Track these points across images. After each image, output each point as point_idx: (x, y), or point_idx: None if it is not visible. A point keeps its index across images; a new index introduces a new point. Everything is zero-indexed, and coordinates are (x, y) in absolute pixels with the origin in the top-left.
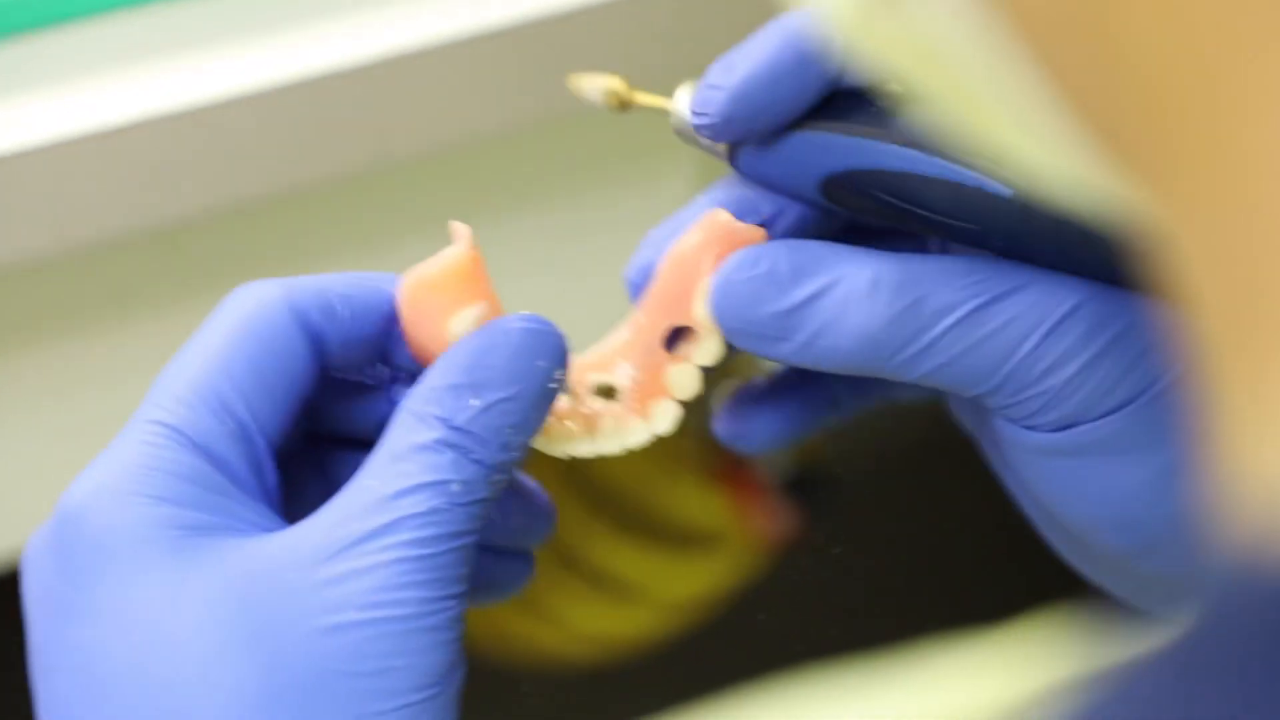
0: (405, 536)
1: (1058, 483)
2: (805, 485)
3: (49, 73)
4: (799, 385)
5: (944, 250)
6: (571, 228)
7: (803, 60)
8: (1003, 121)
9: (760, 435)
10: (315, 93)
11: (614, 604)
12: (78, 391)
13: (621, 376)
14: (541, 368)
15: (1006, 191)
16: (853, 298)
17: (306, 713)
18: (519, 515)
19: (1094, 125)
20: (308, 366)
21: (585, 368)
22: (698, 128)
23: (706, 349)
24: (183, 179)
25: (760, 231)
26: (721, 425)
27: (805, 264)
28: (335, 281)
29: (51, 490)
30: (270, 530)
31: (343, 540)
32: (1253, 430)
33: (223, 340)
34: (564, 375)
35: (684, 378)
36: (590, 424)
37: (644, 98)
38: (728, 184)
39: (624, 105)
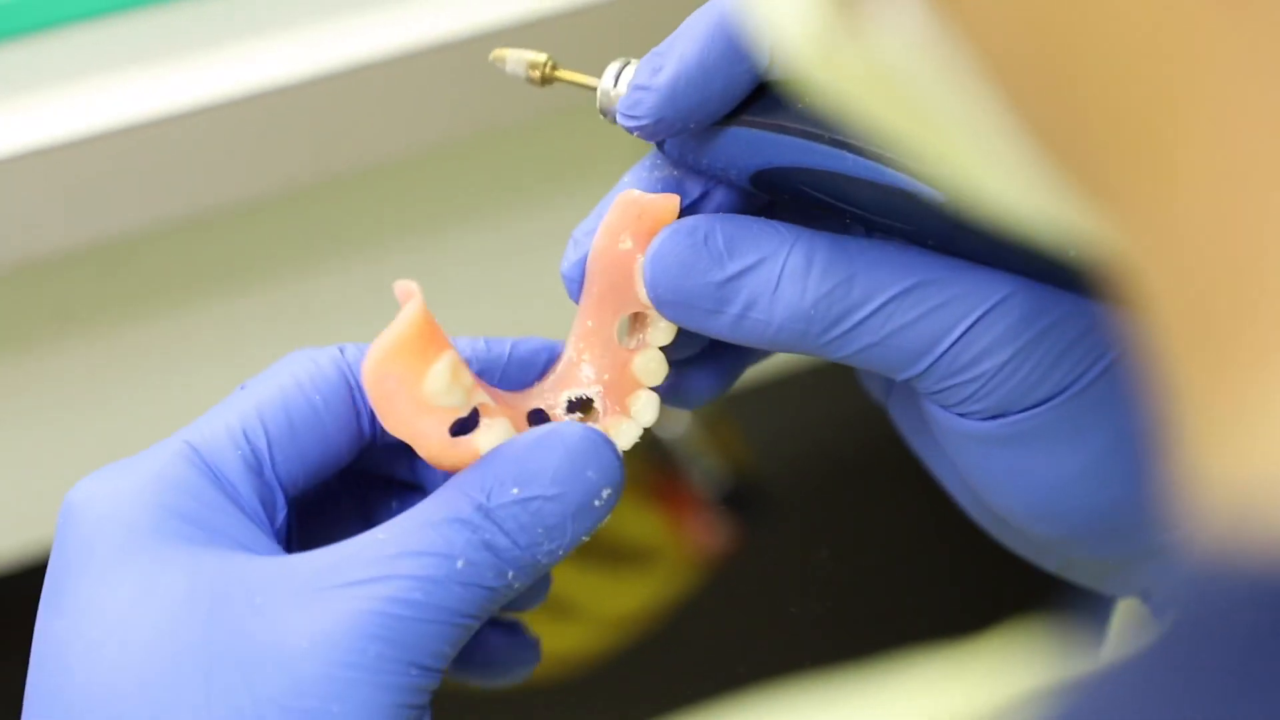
0: (388, 592)
1: (989, 471)
2: (739, 498)
3: (53, 73)
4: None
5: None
6: (557, 229)
7: (731, 55)
8: (963, 149)
9: (697, 391)
10: (306, 96)
11: (551, 621)
12: (101, 387)
13: (589, 385)
14: (591, 479)
15: (939, 197)
16: (786, 272)
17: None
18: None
19: (1052, 151)
20: (348, 429)
21: (553, 388)
22: (630, 129)
23: (661, 329)
24: (178, 180)
25: (674, 199)
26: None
27: (740, 237)
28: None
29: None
30: (261, 554)
31: (329, 578)
32: (1211, 437)
33: (268, 389)
34: (613, 497)
35: (650, 363)
36: None
37: (569, 75)
38: (652, 164)
39: (546, 80)
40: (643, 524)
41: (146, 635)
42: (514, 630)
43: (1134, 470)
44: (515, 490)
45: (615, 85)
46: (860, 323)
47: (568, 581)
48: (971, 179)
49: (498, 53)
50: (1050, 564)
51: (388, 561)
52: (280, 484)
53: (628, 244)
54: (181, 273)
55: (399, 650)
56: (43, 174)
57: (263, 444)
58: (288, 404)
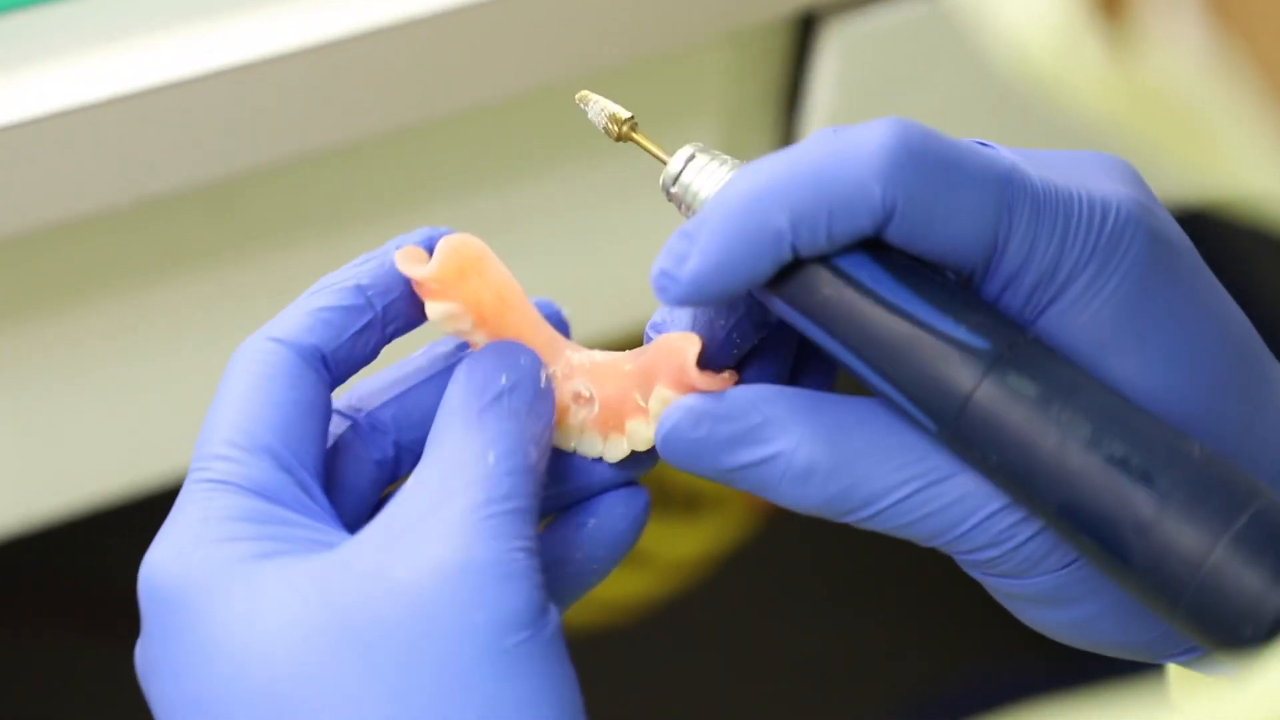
0: (456, 507)
1: (1029, 614)
2: None
3: (111, 28)
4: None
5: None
6: (608, 186)
7: (756, 251)
8: (1238, 162)
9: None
10: (356, 51)
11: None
12: (139, 345)
13: (586, 390)
14: (526, 365)
15: (929, 425)
16: (786, 479)
17: (405, 680)
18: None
19: None
20: (319, 390)
21: (576, 370)
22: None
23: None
24: (208, 143)
25: (722, 381)
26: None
27: (739, 434)
28: (312, 304)
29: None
30: (332, 542)
31: (402, 527)
32: None
33: (240, 393)
34: (549, 379)
35: (637, 431)
36: (569, 427)
37: (644, 140)
38: None
39: (621, 138)
40: None
41: (277, 643)
42: (623, 492)
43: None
44: (491, 390)
45: (682, 169)
46: (868, 519)
47: None
48: (1247, 190)
49: (583, 94)
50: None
51: (439, 487)
52: (306, 467)
53: (662, 378)
54: (209, 236)
55: (498, 544)
56: (79, 135)
57: (277, 444)
58: (280, 403)
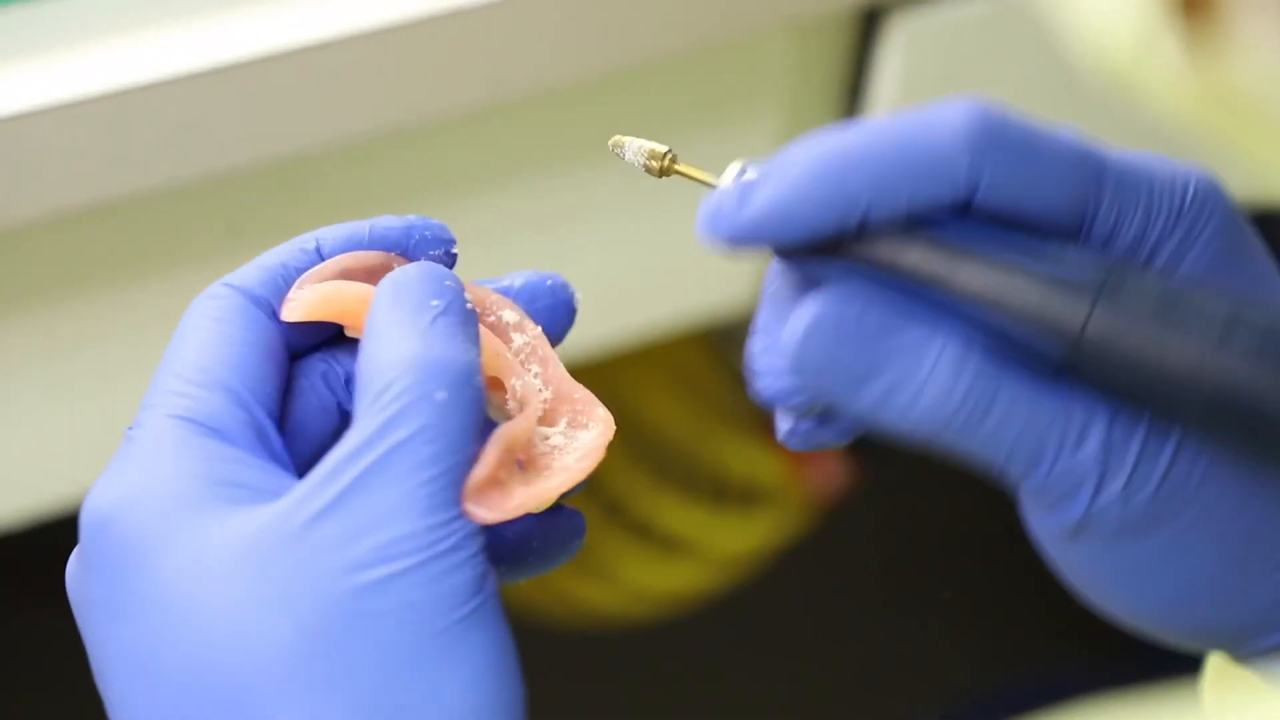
0: (399, 468)
1: (1089, 582)
2: (857, 441)
3: (129, 18)
4: None
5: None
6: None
7: (823, 205)
8: None
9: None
10: (384, 43)
11: (665, 559)
12: (128, 338)
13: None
14: (444, 282)
15: (1055, 353)
16: (938, 369)
17: (343, 657)
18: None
19: None
20: (274, 334)
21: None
22: (709, 240)
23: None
24: (227, 133)
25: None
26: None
27: (893, 324)
28: (271, 258)
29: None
30: (283, 489)
31: (339, 488)
32: None
33: (199, 335)
34: (463, 291)
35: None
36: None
37: (688, 169)
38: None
39: (664, 172)
40: (758, 464)
41: (218, 603)
42: (557, 513)
43: (1235, 596)
44: (426, 314)
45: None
46: (991, 433)
47: (680, 519)
48: None
49: (617, 139)
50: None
51: (377, 442)
52: (264, 409)
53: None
54: (219, 227)
55: (437, 514)
56: (88, 124)
57: (236, 383)
58: (232, 342)
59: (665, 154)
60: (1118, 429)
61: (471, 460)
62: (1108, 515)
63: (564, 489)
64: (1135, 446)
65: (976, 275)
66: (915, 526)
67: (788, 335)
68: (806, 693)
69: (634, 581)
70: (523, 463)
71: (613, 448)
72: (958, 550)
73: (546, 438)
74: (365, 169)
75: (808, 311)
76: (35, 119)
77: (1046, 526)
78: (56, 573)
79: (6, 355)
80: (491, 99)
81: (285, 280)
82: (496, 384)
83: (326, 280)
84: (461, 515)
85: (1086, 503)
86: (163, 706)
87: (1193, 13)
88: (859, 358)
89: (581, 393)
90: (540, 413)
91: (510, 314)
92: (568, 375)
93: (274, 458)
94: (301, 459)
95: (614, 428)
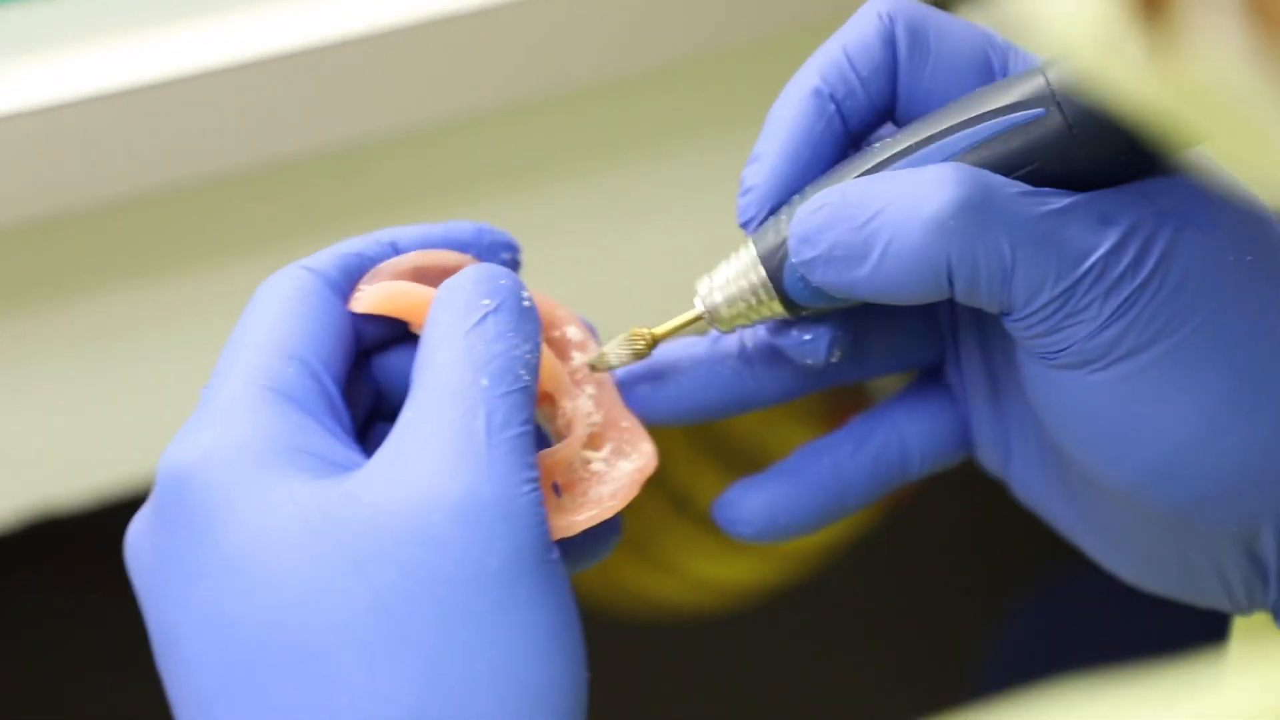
0: (456, 437)
1: (1106, 432)
2: None
3: (160, 12)
4: (801, 468)
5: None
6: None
7: (815, 138)
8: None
9: (754, 518)
10: (425, 37)
11: (730, 552)
12: (152, 333)
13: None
14: (507, 285)
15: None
16: (920, 193)
17: (412, 621)
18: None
19: None
20: (346, 318)
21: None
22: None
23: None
24: (269, 124)
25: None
26: (715, 511)
27: (864, 190)
28: (347, 247)
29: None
30: (350, 461)
31: (406, 460)
32: None
33: (275, 310)
34: (530, 299)
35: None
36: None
37: (669, 325)
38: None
39: (652, 345)
40: None
41: (294, 564)
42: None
43: (1257, 419)
44: (475, 314)
45: (716, 294)
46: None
47: None
48: None
49: (601, 357)
50: (1171, 580)
51: (437, 428)
52: (336, 386)
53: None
54: (259, 221)
55: (506, 476)
56: (120, 118)
57: (316, 363)
58: (308, 319)
59: (641, 334)
60: (1110, 247)
61: (528, 429)
62: (1109, 333)
63: (592, 524)
64: (1127, 257)
65: (942, 118)
66: (980, 524)
67: (794, 227)
68: (868, 686)
69: (699, 574)
70: (560, 486)
71: (678, 440)
72: (1023, 548)
73: (588, 461)
74: (398, 167)
75: (803, 210)
76: (95, 105)
77: (1049, 374)
78: (112, 556)
79: (64, 338)
80: (516, 99)
81: (359, 269)
82: (549, 399)
83: (400, 274)
84: (529, 481)
85: (1092, 322)
86: (232, 664)
87: (1152, 12)
88: (850, 230)
89: (630, 421)
90: (584, 440)
91: (575, 331)
92: (620, 401)
93: (343, 431)
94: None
95: (655, 463)
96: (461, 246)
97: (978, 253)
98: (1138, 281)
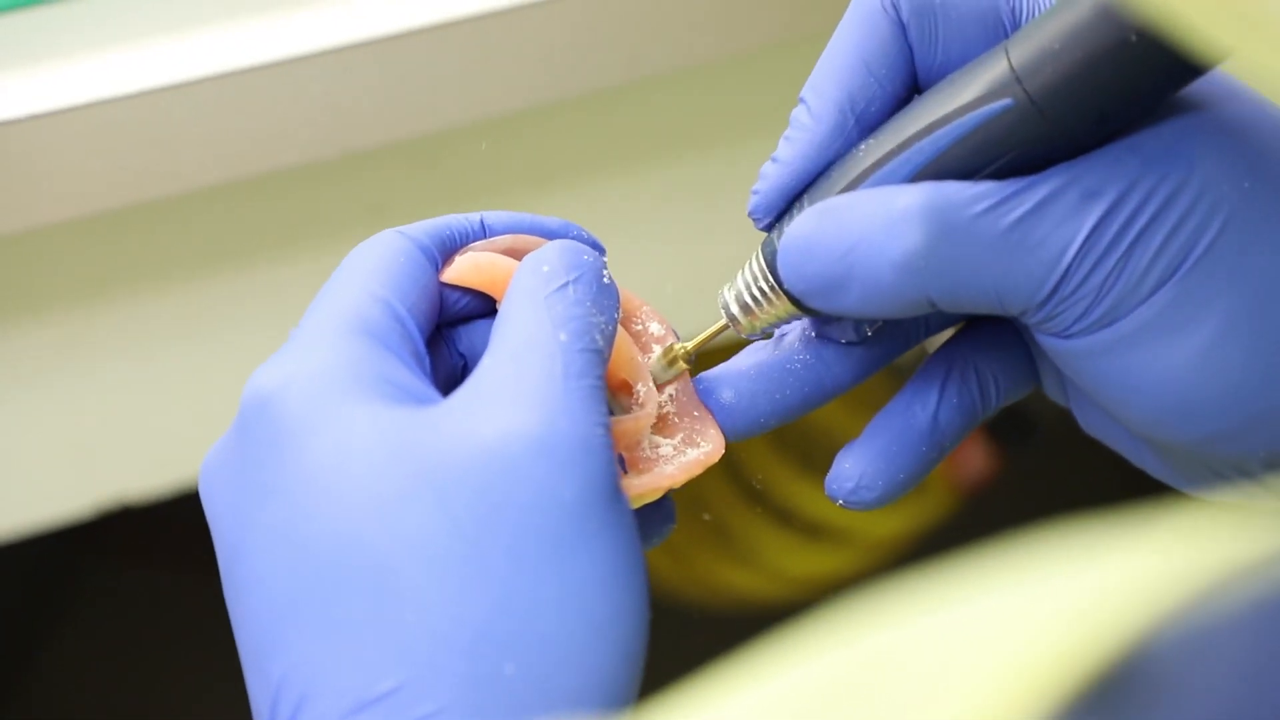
0: (536, 379)
1: (1115, 385)
2: (1004, 426)
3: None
4: (895, 424)
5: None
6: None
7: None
8: None
9: (872, 482)
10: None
11: (811, 544)
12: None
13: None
14: (589, 261)
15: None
16: (887, 233)
17: (489, 547)
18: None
19: None
20: (435, 282)
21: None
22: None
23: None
24: (318, 122)
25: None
26: (830, 486)
27: (834, 222)
28: (440, 221)
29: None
30: (432, 398)
31: (486, 397)
32: None
33: (367, 265)
34: (611, 279)
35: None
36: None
37: (700, 338)
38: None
39: (687, 358)
40: None
41: (373, 488)
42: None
43: (1261, 346)
44: (557, 280)
45: (733, 304)
46: (970, 260)
47: (825, 505)
48: None
49: (635, 378)
50: (1222, 486)
51: (517, 371)
52: (421, 339)
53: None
54: (321, 214)
55: (578, 416)
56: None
57: (402, 309)
58: (396, 274)
59: (676, 348)
60: (1095, 223)
61: (602, 385)
62: (1106, 302)
63: (647, 493)
64: (1115, 226)
65: (913, 119)
66: (1055, 513)
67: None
68: None
69: (779, 566)
70: (626, 461)
71: (759, 437)
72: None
73: (657, 445)
74: (422, 169)
75: (785, 238)
76: (168, 96)
77: (1050, 340)
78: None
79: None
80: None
81: (450, 242)
82: (625, 386)
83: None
84: (602, 425)
85: (1087, 299)
86: (303, 580)
87: None
88: (826, 267)
89: (703, 413)
90: (654, 417)
91: (657, 327)
92: (695, 394)
93: (425, 375)
94: None
95: (721, 450)
96: (549, 234)
97: (953, 287)
98: (1127, 243)
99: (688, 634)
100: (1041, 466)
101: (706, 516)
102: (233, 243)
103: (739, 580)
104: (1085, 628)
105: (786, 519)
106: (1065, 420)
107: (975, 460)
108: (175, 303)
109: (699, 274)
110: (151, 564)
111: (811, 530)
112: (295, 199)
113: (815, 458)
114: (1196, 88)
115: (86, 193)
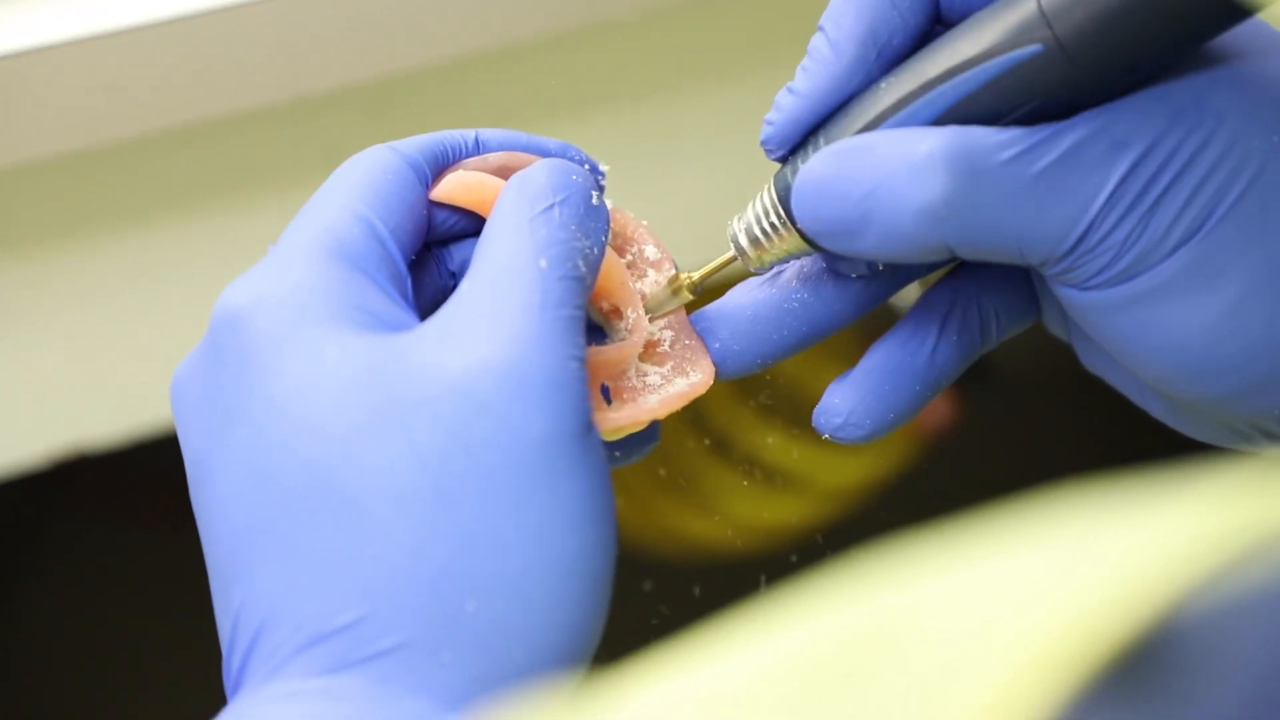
0: (511, 308)
1: (1131, 340)
2: (967, 374)
3: None
4: (891, 358)
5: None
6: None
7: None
8: None
9: (861, 420)
10: None
11: (770, 493)
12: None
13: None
14: (579, 182)
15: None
16: (908, 179)
17: (455, 483)
18: None
19: None
20: (422, 199)
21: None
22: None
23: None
24: (318, 54)
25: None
26: (818, 420)
27: (854, 164)
28: (434, 137)
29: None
30: (407, 324)
31: (458, 325)
32: None
33: (354, 180)
34: (601, 198)
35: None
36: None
37: (705, 269)
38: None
39: (693, 288)
40: None
41: (335, 414)
42: None
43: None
44: (543, 202)
45: (743, 236)
46: (990, 205)
47: (786, 453)
48: None
49: (650, 305)
50: (1237, 440)
51: (493, 299)
52: (403, 260)
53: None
54: (288, 157)
55: (549, 349)
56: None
57: (383, 230)
58: (382, 192)
59: (681, 277)
60: (1123, 175)
61: (580, 315)
62: (1130, 255)
63: (627, 425)
64: (1143, 178)
65: (938, 58)
66: (1018, 461)
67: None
68: None
69: (739, 515)
70: (610, 389)
71: (718, 383)
72: (1061, 478)
73: (644, 374)
74: (426, 101)
75: (799, 180)
76: (135, 37)
77: (1070, 292)
78: (146, 493)
79: (96, 276)
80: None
81: (445, 160)
82: (616, 311)
83: (483, 170)
84: (576, 359)
85: (1111, 251)
86: (266, 506)
87: None
88: (844, 209)
89: (695, 341)
90: (641, 346)
91: (652, 250)
92: (687, 321)
93: (401, 298)
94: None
95: (711, 382)
96: (544, 156)
97: (975, 236)
98: (1154, 196)
99: (646, 580)
100: (1003, 414)
101: (662, 472)
102: (189, 187)
103: (698, 528)
104: (1116, 595)
105: (747, 466)
106: (1028, 368)
107: (937, 408)
108: (130, 248)
109: (704, 203)
110: (110, 518)
111: (772, 477)
112: (250, 144)
113: (777, 404)
114: (1225, 40)
115: (38, 137)
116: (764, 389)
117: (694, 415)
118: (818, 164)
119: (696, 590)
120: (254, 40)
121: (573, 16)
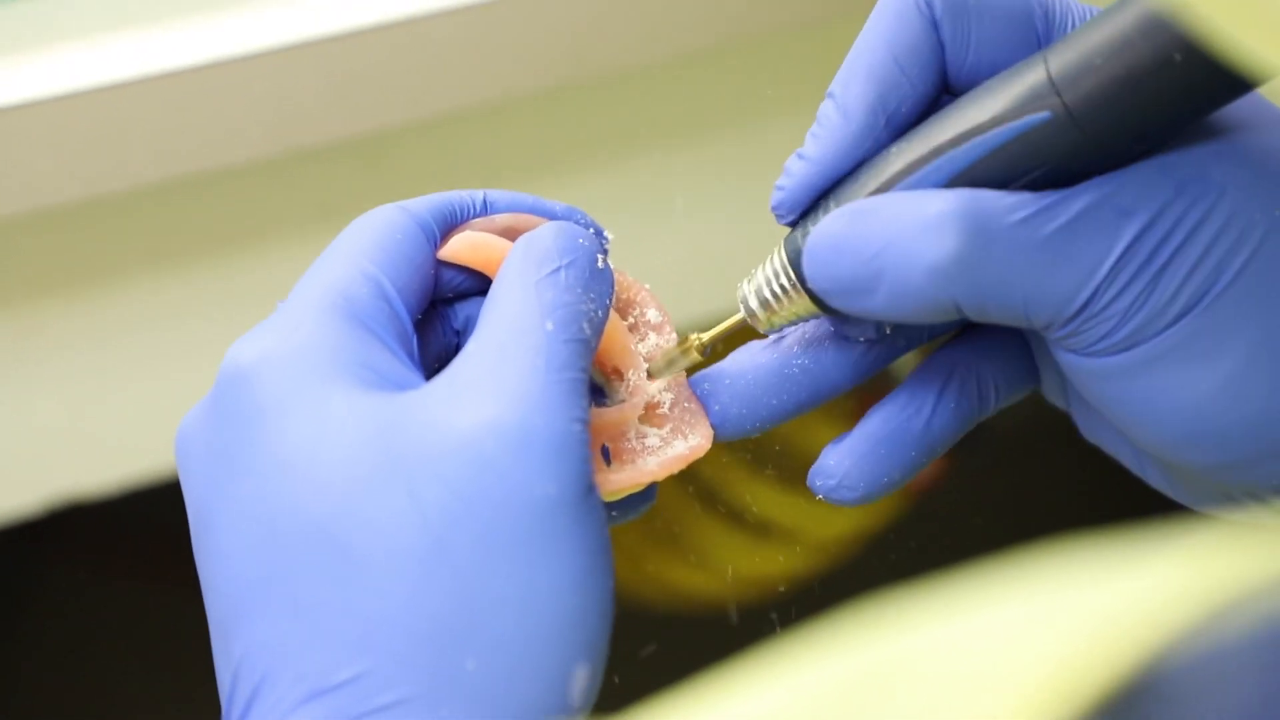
0: (517, 371)
1: (1131, 407)
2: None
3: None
4: (889, 424)
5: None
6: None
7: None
8: None
9: (856, 482)
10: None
11: (759, 544)
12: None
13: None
14: (585, 246)
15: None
16: (919, 237)
17: (455, 540)
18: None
19: None
20: (430, 259)
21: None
22: (781, 201)
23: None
24: (346, 100)
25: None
26: (814, 480)
27: (867, 223)
28: (442, 197)
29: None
30: (413, 383)
31: (464, 385)
32: None
33: (362, 240)
34: (607, 264)
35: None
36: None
37: (715, 331)
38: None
39: (702, 350)
40: None
41: (339, 470)
42: None
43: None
44: (550, 265)
45: (753, 298)
46: (1000, 266)
47: (774, 504)
48: None
49: (654, 368)
50: (1233, 510)
51: (499, 360)
52: (409, 319)
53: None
54: (284, 210)
55: (552, 413)
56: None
57: (391, 289)
58: (391, 251)
59: (691, 340)
60: (1128, 243)
61: (584, 378)
62: (1133, 323)
63: (627, 488)
64: (1147, 247)
65: (948, 124)
66: (1006, 518)
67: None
68: None
69: (729, 566)
70: (610, 451)
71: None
72: (1048, 536)
73: (644, 435)
74: (420, 155)
75: (807, 246)
76: (128, 92)
77: (1070, 357)
78: (143, 543)
79: (99, 326)
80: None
81: (451, 218)
82: (618, 373)
83: (490, 231)
84: (579, 420)
85: (1114, 318)
86: (268, 561)
87: None
88: (855, 267)
89: (694, 404)
90: (641, 408)
91: (654, 314)
92: (687, 385)
93: (408, 357)
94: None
95: (709, 446)
96: (550, 219)
97: (983, 295)
98: (1158, 265)
99: (641, 635)
100: (991, 470)
101: (655, 524)
102: (183, 239)
103: (690, 580)
104: (1100, 644)
105: (736, 519)
106: (1016, 425)
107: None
108: (124, 299)
109: (696, 259)
110: (104, 567)
111: (762, 530)
112: (244, 197)
113: (768, 458)
114: (1226, 112)
115: (34, 189)
116: (756, 443)
117: (687, 469)
118: (831, 223)
119: (686, 642)
120: (248, 94)
121: (567, 71)
